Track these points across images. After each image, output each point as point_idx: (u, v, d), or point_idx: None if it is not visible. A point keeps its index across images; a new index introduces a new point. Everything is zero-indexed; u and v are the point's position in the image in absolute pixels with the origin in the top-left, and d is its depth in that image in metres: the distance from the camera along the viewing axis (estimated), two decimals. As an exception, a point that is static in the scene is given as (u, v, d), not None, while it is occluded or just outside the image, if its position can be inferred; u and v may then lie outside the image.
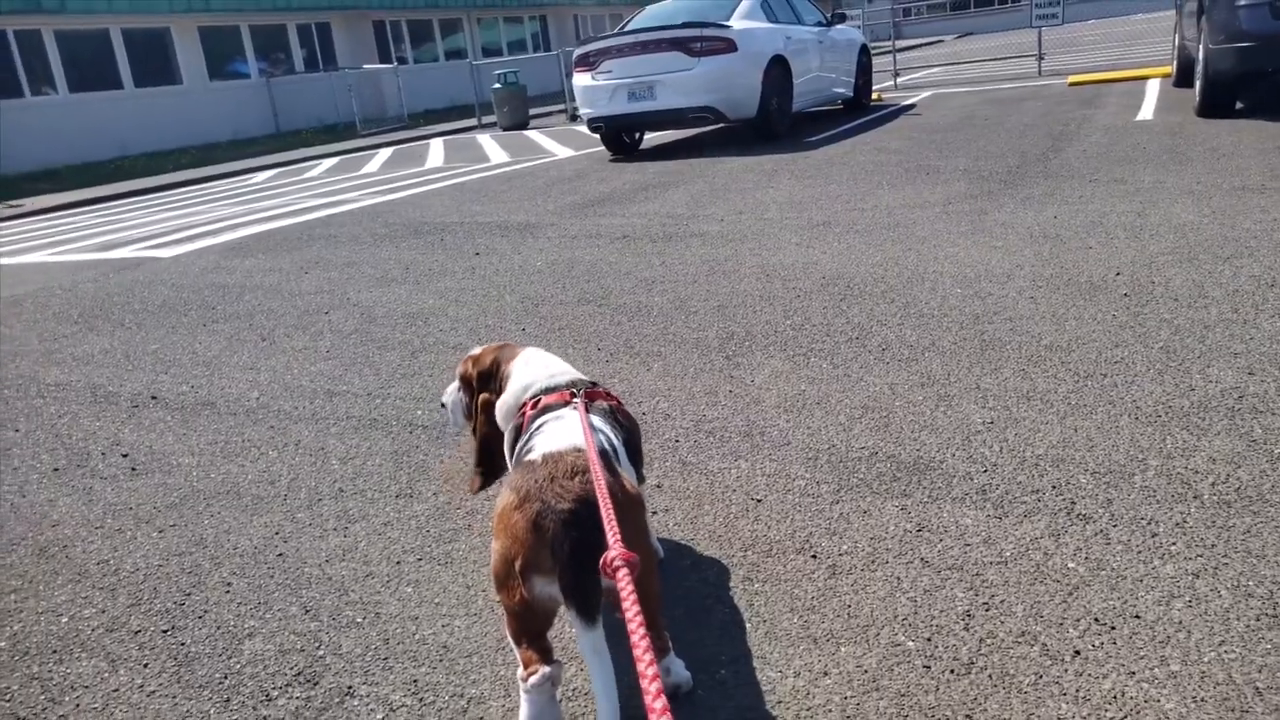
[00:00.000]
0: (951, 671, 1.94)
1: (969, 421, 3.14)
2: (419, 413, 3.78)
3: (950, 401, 3.32)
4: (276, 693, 2.12)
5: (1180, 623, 2.01)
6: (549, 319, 4.94)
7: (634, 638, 1.11)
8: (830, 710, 1.87)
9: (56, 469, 3.56)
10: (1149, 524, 2.39)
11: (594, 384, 2.27)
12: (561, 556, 1.66)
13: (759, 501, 2.77)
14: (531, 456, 1.87)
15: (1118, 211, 5.80)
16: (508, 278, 5.99)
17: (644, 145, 12.83)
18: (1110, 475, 2.66)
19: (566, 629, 2.17)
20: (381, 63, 27.39)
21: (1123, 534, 2.36)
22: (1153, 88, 12.33)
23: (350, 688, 2.10)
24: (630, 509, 1.81)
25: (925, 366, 3.68)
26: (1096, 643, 1.97)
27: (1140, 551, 2.28)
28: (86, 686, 2.21)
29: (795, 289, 4.99)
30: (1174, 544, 2.30)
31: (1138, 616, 2.04)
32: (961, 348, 3.84)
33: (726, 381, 3.77)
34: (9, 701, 2.19)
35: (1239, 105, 9.29)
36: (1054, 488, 2.63)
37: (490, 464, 2.39)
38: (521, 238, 7.32)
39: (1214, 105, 8.90)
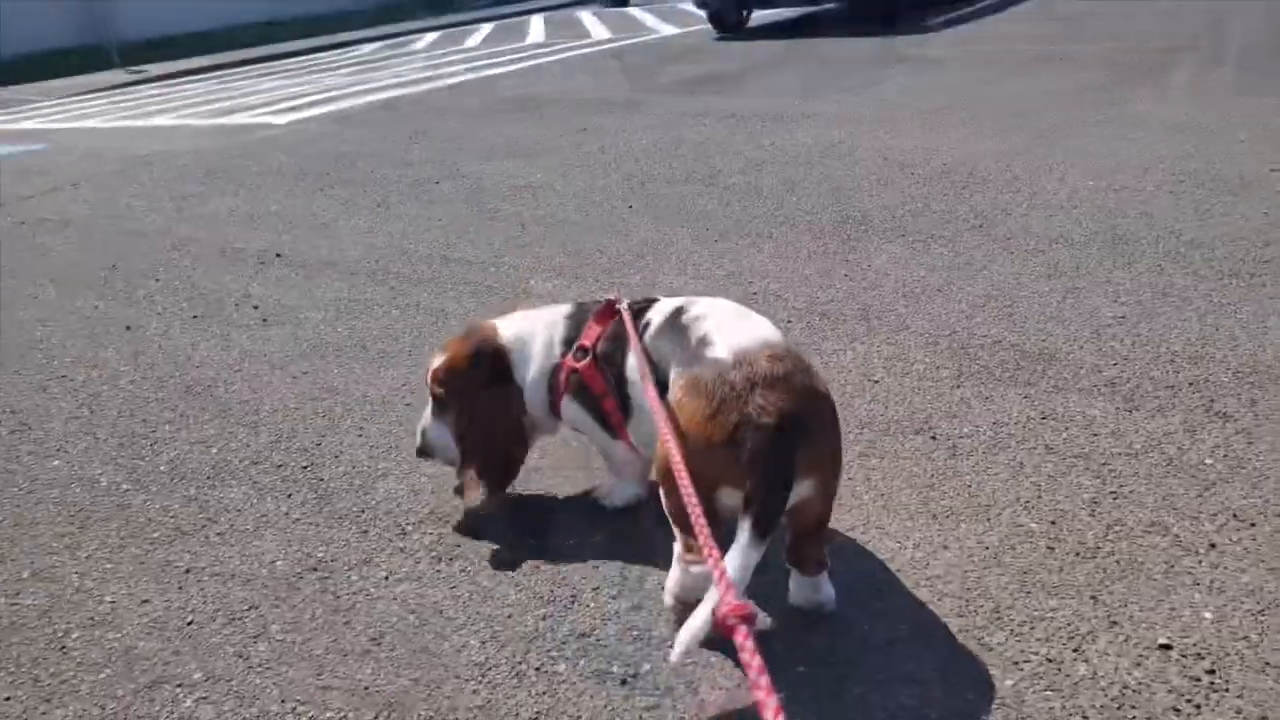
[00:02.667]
0: (1077, 554, 1.93)
1: (1099, 315, 3.04)
2: (531, 281, 3.84)
3: (1079, 294, 3.21)
4: (410, 528, 2.25)
5: (1321, 523, 1.95)
6: (656, 197, 4.90)
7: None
8: (950, 581, 1.89)
9: (195, 316, 3.75)
10: (1292, 425, 2.31)
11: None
12: (757, 478, 1.53)
13: (876, 382, 2.76)
14: (718, 352, 1.68)
15: None
16: (613, 154, 5.94)
17: (751, 24, 12.35)
18: (1255, 375, 2.55)
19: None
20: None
21: (1269, 434, 2.28)
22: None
23: (478, 530, 2.21)
24: (833, 424, 1.69)
25: (1052, 258, 3.55)
26: (1235, 538, 1.93)
27: (1281, 452, 2.21)
28: (238, 510, 2.38)
29: (914, 175, 4.82)
30: (1318, 447, 2.22)
31: None
32: (1092, 241, 3.68)
33: (841, 265, 3.71)
34: (172, 517, 2.37)
35: None
36: (1191, 384, 2.54)
37: (511, 471, 2.20)
38: (627, 115, 7.21)
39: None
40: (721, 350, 1.69)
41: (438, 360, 2.16)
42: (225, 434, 2.78)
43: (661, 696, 1.67)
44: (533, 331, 2.15)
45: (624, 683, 1.71)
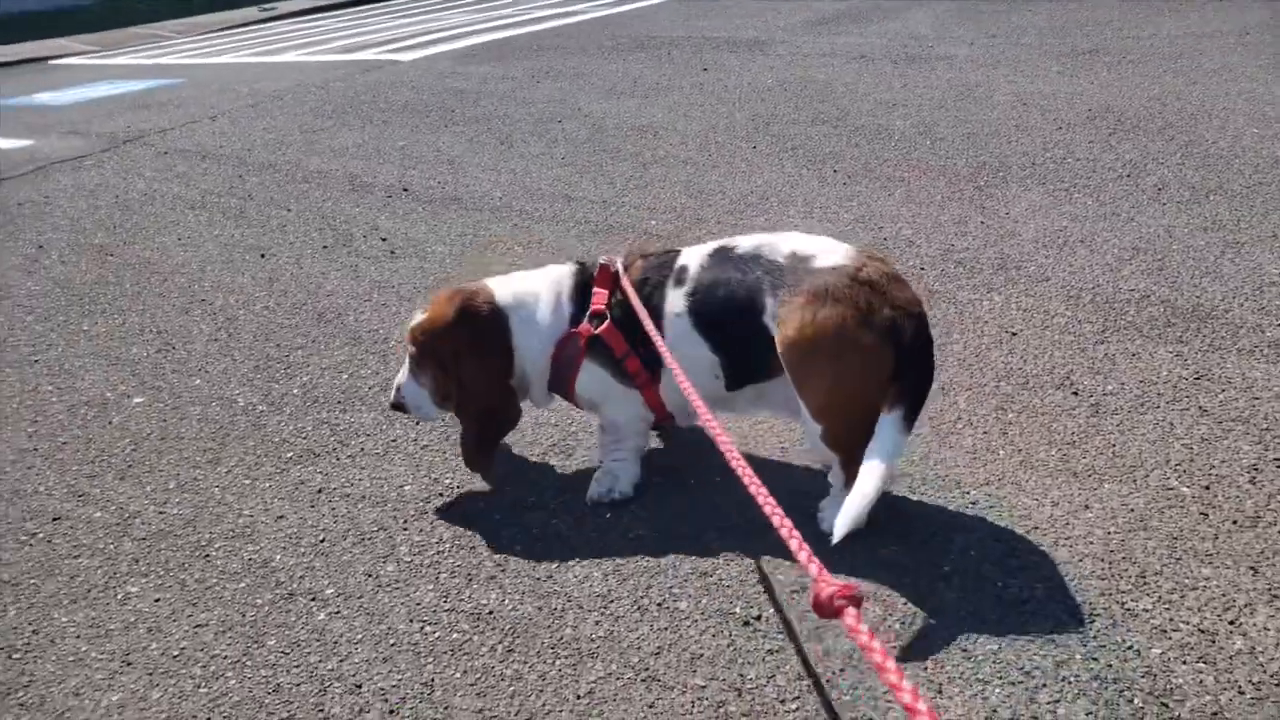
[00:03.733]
0: (1234, 523, 1.81)
1: (1262, 271, 2.82)
2: (653, 222, 3.80)
3: (1240, 249, 2.98)
4: (535, 459, 2.27)
5: None
6: (781, 138, 4.77)
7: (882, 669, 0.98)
8: (1091, 542, 1.80)
9: (325, 246, 3.86)
10: None
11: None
12: (917, 365, 1.70)
13: (1014, 334, 2.63)
14: (830, 261, 1.73)
15: None
16: (737, 95, 5.80)
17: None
18: None
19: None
20: None
21: None
22: None
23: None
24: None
25: (1210, 210, 3.31)
26: None
27: None
28: (368, 435, 2.45)
29: (1056, 120, 4.55)
30: None
31: None
32: (1255, 192, 3.41)
33: (978, 212, 3.54)
34: (304, 439, 2.46)
35: None
36: (1369, 349, 2.34)
37: (501, 429, 2.08)
38: (751, 55, 7.03)
39: None
40: (832, 259, 1.75)
41: (418, 317, 2.04)
42: (355, 360, 2.86)
43: (786, 641, 1.65)
44: (535, 294, 2.03)
45: (746, 624, 1.69)
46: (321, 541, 2.05)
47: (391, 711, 1.58)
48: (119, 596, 1.92)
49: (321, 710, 1.60)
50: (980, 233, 3.34)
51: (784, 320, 1.72)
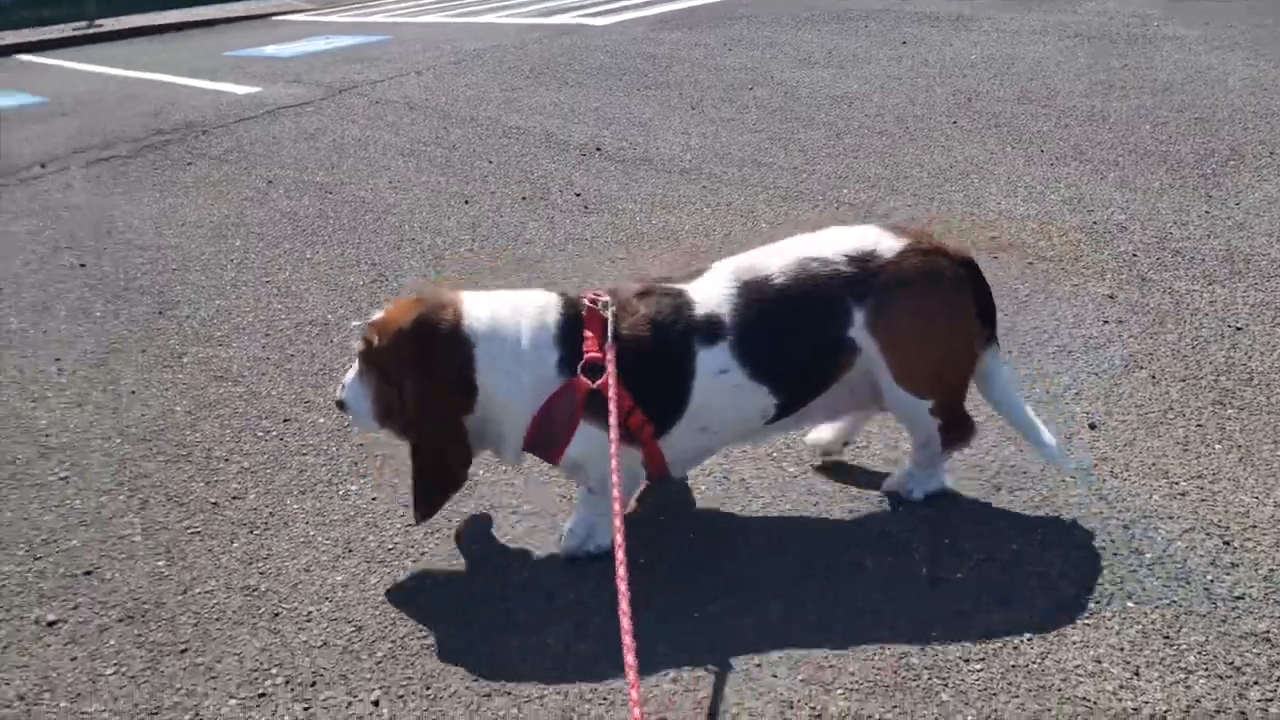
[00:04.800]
0: None
1: None
2: (844, 191, 3.75)
3: None
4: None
5: None
6: (984, 115, 4.59)
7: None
8: (1319, 548, 1.69)
9: (524, 198, 4.03)
10: None
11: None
12: (985, 304, 1.80)
13: (1238, 329, 2.46)
14: (896, 245, 1.72)
15: None
16: (937, 69, 5.61)
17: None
18: None
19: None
20: None
21: None
22: None
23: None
24: None
25: None
26: None
27: None
28: (563, 372, 2.57)
29: (1299, 108, 4.18)
30: None
31: None
32: None
33: (1202, 201, 3.31)
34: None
35: None
36: None
37: (446, 479, 1.74)
38: (954, 29, 6.77)
39: None
40: (888, 244, 1.74)
41: (375, 316, 1.76)
42: (551, 303, 2.99)
43: (971, 603, 1.63)
44: (515, 326, 1.70)
45: (933, 583, 1.69)
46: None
47: (579, 625, 1.67)
48: (340, 493, 2.10)
49: (507, 616, 1.71)
50: (1203, 223, 3.13)
51: (887, 322, 1.70)
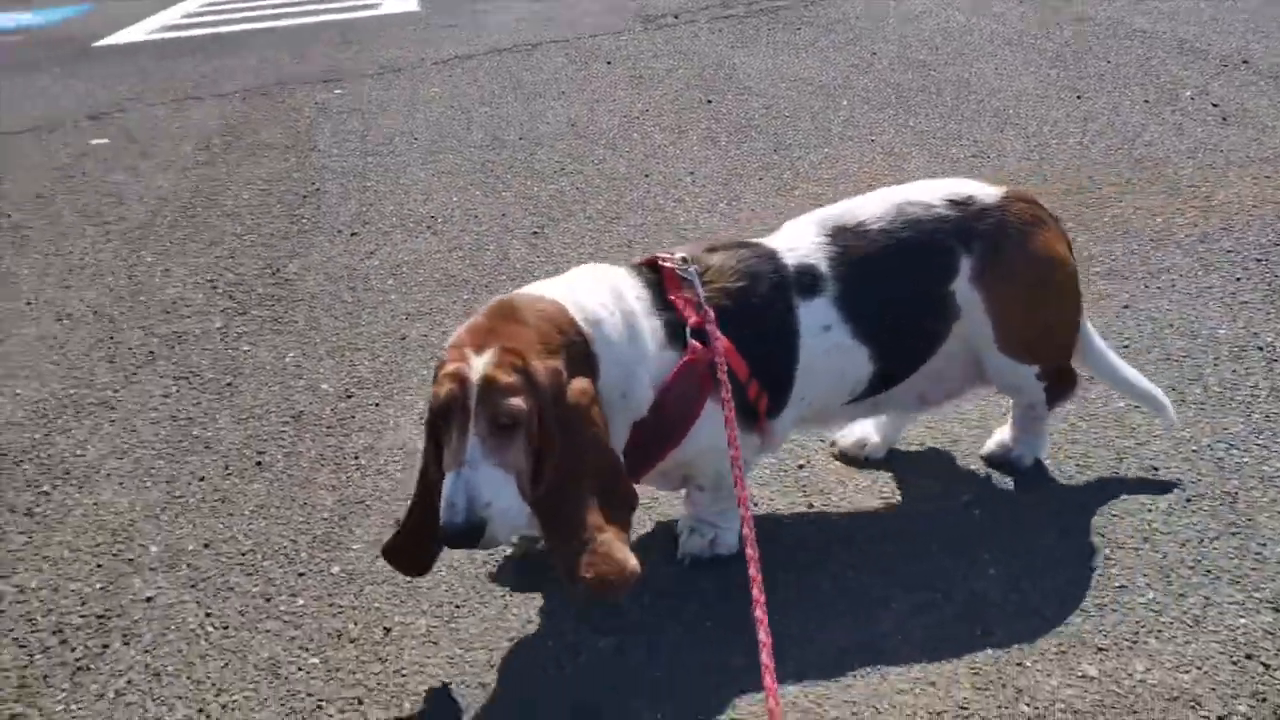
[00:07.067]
0: None
1: None
2: None
3: None
4: None
5: None
6: None
7: None
8: None
9: (1146, 100, 3.69)
10: None
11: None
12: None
13: None
14: (994, 196, 1.61)
15: None
16: None
17: None
18: None
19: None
20: None
21: None
22: None
23: None
24: None
25: None
26: None
27: None
28: (1181, 275, 2.39)
29: None
30: None
31: None
32: None
33: None
34: (1112, 260, 2.49)
35: None
36: None
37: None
38: None
39: None
40: (986, 193, 1.61)
41: (485, 365, 1.27)
42: (1171, 208, 2.76)
43: None
44: (606, 308, 1.40)
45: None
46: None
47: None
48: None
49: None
50: None
51: (997, 273, 1.56)
